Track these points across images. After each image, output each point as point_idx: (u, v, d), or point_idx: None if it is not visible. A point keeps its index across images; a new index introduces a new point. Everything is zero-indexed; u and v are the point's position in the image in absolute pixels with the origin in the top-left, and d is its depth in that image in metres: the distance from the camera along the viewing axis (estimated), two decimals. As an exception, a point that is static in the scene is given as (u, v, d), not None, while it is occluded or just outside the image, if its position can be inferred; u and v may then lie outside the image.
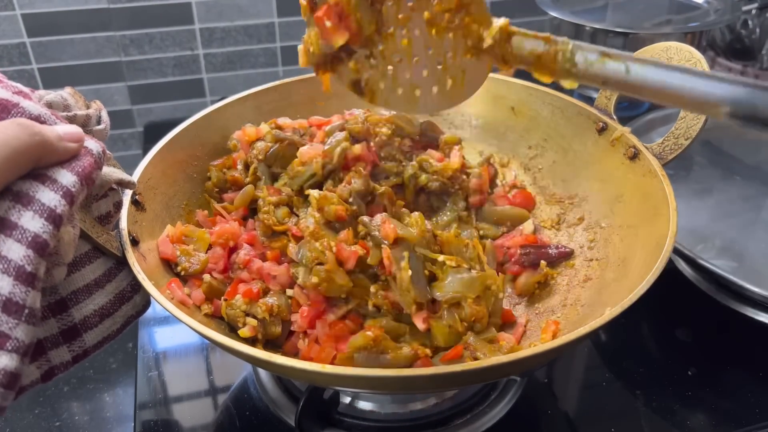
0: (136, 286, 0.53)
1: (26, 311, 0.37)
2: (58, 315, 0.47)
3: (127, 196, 0.56)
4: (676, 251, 0.70)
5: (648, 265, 0.50)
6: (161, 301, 0.47)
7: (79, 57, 1.23)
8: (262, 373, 0.67)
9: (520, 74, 0.68)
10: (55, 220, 0.38)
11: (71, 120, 0.49)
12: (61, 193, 0.39)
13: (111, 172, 0.49)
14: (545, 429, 0.63)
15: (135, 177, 0.58)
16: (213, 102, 0.73)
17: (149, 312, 0.70)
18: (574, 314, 0.58)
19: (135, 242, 0.53)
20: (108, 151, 0.50)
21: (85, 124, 0.51)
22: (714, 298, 0.72)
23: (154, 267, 0.54)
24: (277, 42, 1.33)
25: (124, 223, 0.53)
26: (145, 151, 0.63)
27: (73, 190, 0.40)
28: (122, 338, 0.53)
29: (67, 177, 0.40)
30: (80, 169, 0.41)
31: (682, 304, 0.76)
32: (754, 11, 1.18)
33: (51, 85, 1.22)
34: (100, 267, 0.50)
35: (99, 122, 0.53)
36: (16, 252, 0.37)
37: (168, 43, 1.26)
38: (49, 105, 0.48)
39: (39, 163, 0.39)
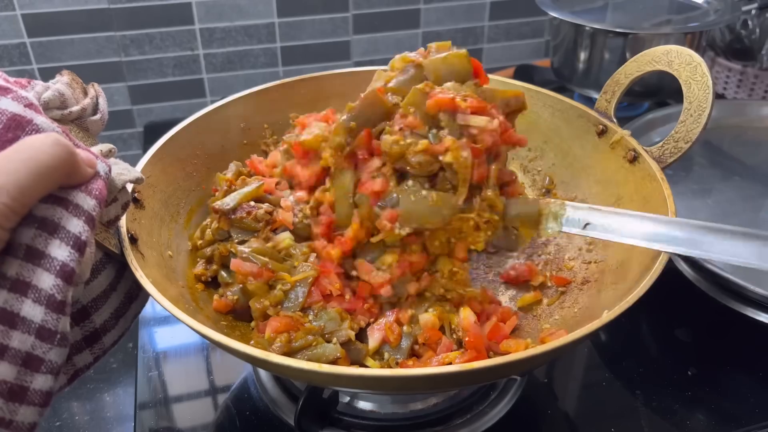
0: (140, 283, 0.53)
1: (58, 336, 0.39)
2: (81, 323, 0.48)
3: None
4: (676, 251, 0.70)
5: (646, 268, 0.50)
6: (159, 300, 0.47)
7: (79, 57, 1.23)
8: (263, 372, 0.67)
9: (520, 76, 0.68)
10: (80, 247, 0.39)
11: (66, 117, 0.50)
12: (84, 218, 0.40)
13: (120, 174, 0.49)
14: (545, 429, 0.63)
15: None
16: (213, 102, 0.73)
17: (149, 312, 0.70)
18: (572, 316, 0.58)
19: (133, 240, 0.53)
20: (113, 147, 0.50)
21: (80, 116, 0.51)
22: (714, 298, 0.72)
23: (152, 265, 0.54)
24: (277, 42, 1.33)
25: (122, 221, 0.53)
26: (145, 151, 0.63)
27: (94, 214, 0.41)
28: (132, 322, 0.54)
29: (87, 201, 0.41)
30: (97, 193, 0.42)
31: (682, 304, 0.76)
32: (754, 11, 1.18)
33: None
34: (112, 271, 0.51)
35: (95, 112, 0.53)
36: (46, 281, 0.38)
37: (168, 43, 1.26)
38: (46, 104, 0.48)
39: (67, 181, 0.40)
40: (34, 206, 0.39)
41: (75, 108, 0.50)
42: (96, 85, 0.55)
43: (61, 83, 0.51)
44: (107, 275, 0.50)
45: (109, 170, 0.44)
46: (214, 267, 0.62)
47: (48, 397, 0.39)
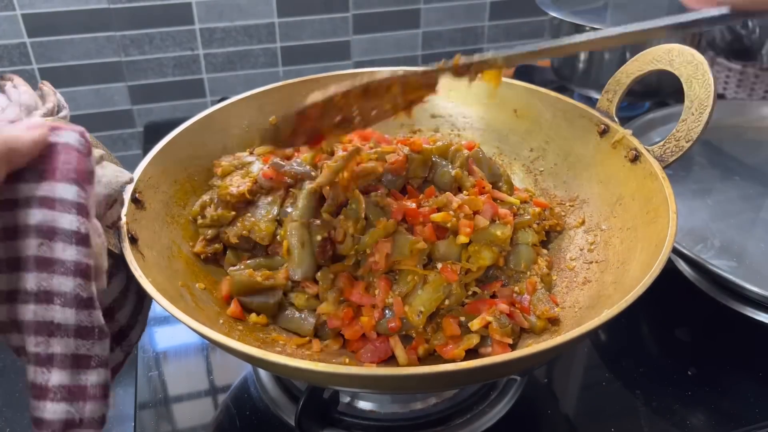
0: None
1: (96, 330, 0.40)
2: (109, 322, 0.49)
3: (127, 194, 0.56)
4: (676, 251, 0.70)
5: (646, 268, 0.50)
6: (159, 300, 0.47)
7: (79, 57, 1.23)
8: (262, 372, 0.67)
9: (520, 76, 0.68)
10: (84, 241, 0.39)
11: (46, 116, 0.49)
12: (75, 210, 0.39)
13: (116, 176, 0.49)
14: (545, 429, 0.63)
15: (136, 175, 0.59)
16: (213, 102, 0.73)
17: (150, 312, 0.71)
18: (573, 316, 0.58)
19: (134, 240, 0.53)
20: (104, 152, 0.50)
21: (51, 114, 0.51)
22: (714, 298, 0.72)
23: (152, 265, 0.54)
24: (277, 42, 1.33)
25: (123, 221, 0.53)
26: (145, 151, 0.63)
27: (81, 200, 0.40)
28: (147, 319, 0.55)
29: (67, 190, 0.40)
30: (73, 174, 0.40)
31: (682, 304, 0.76)
32: (754, 11, 1.18)
33: (51, 84, 1.22)
34: (124, 271, 0.51)
35: (60, 110, 0.52)
36: (67, 284, 0.38)
37: (168, 43, 1.26)
38: (29, 108, 0.48)
39: (11, 163, 0.38)
40: (25, 214, 0.38)
41: (49, 105, 0.50)
42: (45, 82, 0.53)
43: (19, 86, 0.50)
44: (122, 275, 0.50)
45: (84, 139, 0.41)
46: (216, 246, 0.63)
47: (107, 389, 0.40)
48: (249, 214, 0.63)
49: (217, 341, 0.43)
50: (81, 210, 0.40)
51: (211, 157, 0.70)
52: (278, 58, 1.35)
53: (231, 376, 0.68)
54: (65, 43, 1.20)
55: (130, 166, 0.60)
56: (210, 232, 0.63)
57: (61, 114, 0.52)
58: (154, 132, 1.19)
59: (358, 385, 0.47)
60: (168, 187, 0.64)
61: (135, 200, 0.57)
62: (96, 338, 0.40)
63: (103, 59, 1.24)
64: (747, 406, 0.64)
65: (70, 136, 0.41)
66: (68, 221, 0.39)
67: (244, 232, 0.62)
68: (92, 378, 0.39)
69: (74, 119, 1.30)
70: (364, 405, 0.62)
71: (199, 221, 0.64)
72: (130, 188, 0.56)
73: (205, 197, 0.66)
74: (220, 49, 1.30)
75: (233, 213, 0.63)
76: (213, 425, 0.63)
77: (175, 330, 0.74)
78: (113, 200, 0.49)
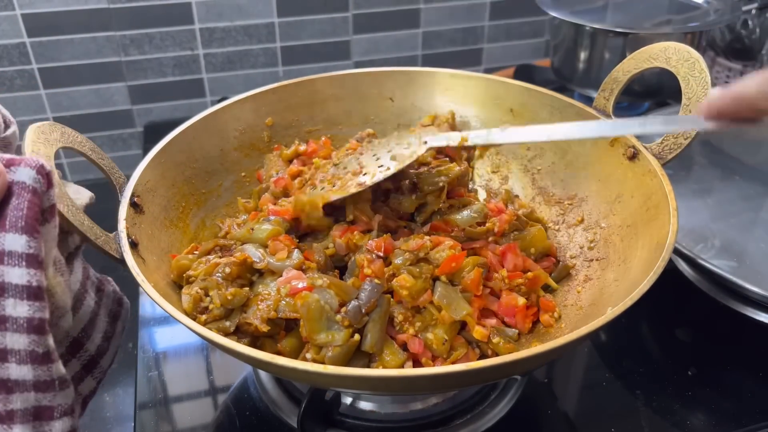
0: (119, 300, 0.55)
1: (56, 382, 0.38)
2: (77, 354, 0.49)
3: (125, 197, 0.56)
4: (676, 251, 0.70)
5: (649, 265, 0.50)
6: (162, 304, 0.47)
7: (79, 57, 1.23)
8: (262, 373, 0.67)
9: (520, 76, 0.68)
10: (37, 294, 0.37)
11: None
12: (24, 263, 0.36)
13: (76, 199, 0.46)
14: (545, 429, 0.63)
15: (133, 179, 0.58)
16: (213, 102, 0.73)
17: (149, 312, 0.71)
18: (575, 314, 0.58)
19: (134, 245, 0.53)
20: (55, 170, 0.44)
21: None
22: (714, 298, 0.72)
23: (153, 269, 0.54)
24: (277, 42, 1.33)
25: (122, 225, 0.53)
26: (145, 151, 0.63)
27: (31, 251, 0.37)
28: (122, 338, 0.54)
29: (16, 241, 0.36)
30: (22, 223, 0.36)
31: (682, 304, 0.76)
32: (754, 11, 1.18)
33: (51, 85, 1.22)
34: (92, 296, 0.50)
35: (7, 126, 0.49)
36: (21, 342, 0.37)
37: (168, 43, 1.26)
38: None
39: None
40: None
41: None
42: None
43: None
44: (89, 302, 0.49)
45: (41, 175, 0.38)
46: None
47: None
48: (260, 288, 0.55)
49: (223, 345, 0.43)
50: (31, 261, 0.37)
51: (208, 159, 0.70)
52: (278, 58, 1.35)
53: (231, 377, 0.68)
54: (65, 43, 1.20)
55: (130, 166, 0.60)
56: (222, 325, 0.52)
57: (9, 131, 0.49)
58: (154, 132, 1.19)
59: (366, 387, 0.47)
60: (166, 191, 0.64)
61: (134, 204, 0.56)
62: (57, 389, 0.38)
63: (102, 59, 1.24)
64: (747, 406, 0.64)
65: (24, 173, 0.37)
66: (18, 275, 0.36)
67: (272, 313, 0.52)
68: (56, 427, 0.38)
69: (74, 119, 1.31)
70: (364, 405, 0.62)
71: (203, 318, 0.53)
72: (128, 193, 0.56)
73: (190, 291, 0.54)
74: (219, 49, 1.30)
75: (247, 289, 0.54)
76: (213, 425, 0.63)
77: (174, 330, 0.74)
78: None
